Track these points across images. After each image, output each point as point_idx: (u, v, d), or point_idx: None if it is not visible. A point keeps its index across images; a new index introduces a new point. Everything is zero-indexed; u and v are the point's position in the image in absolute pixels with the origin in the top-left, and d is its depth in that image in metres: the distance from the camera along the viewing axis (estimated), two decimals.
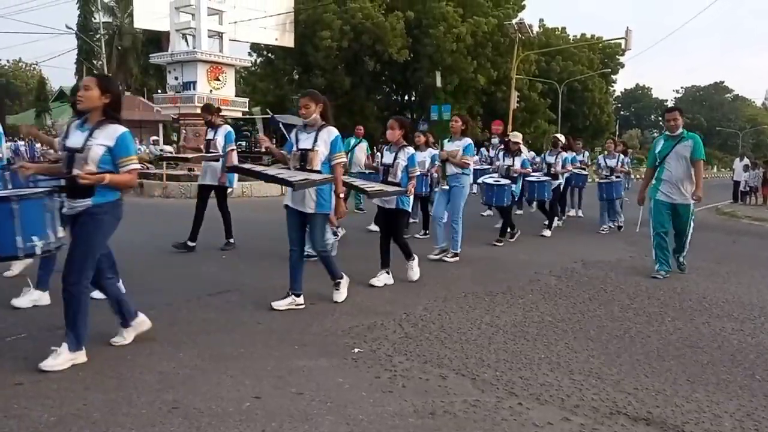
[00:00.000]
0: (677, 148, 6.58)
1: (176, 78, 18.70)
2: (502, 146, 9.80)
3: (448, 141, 7.41)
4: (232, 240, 7.52)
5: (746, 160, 22.32)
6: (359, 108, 31.69)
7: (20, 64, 65.69)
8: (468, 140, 7.26)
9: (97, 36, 39.16)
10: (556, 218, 11.13)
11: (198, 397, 3.13)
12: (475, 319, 4.79)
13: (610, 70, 44.24)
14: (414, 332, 4.39)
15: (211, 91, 18.31)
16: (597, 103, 43.03)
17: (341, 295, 5.15)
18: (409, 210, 6.09)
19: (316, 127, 4.85)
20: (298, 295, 4.92)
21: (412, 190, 5.82)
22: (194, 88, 18.05)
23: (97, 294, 4.08)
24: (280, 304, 4.83)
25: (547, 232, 9.91)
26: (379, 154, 10.29)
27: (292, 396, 3.19)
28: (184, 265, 6.54)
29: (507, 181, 8.59)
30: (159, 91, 26.91)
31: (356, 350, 3.94)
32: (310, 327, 4.43)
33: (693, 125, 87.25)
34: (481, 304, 5.28)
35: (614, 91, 52.52)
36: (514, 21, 30.23)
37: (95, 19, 40.69)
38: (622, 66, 45.78)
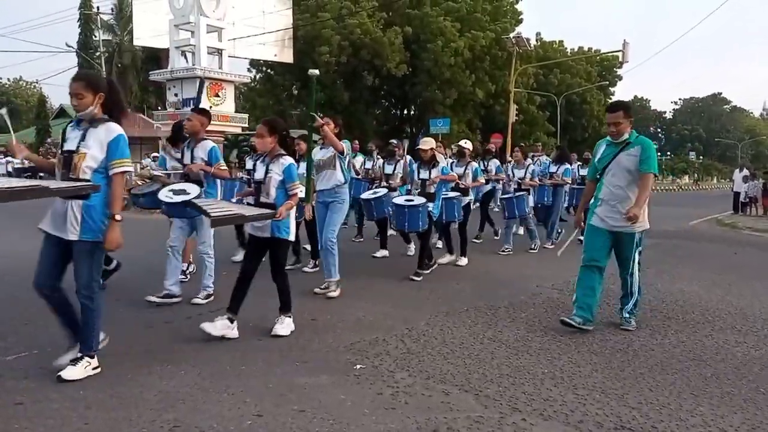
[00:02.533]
0: (620, 158, 4.99)
1: (176, 95, 18.78)
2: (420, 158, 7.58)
3: (320, 148, 6.25)
4: (111, 266, 6.05)
5: (746, 171, 22.36)
6: (358, 122, 31.79)
7: (21, 83, 66.11)
8: (344, 141, 6.14)
9: (97, 54, 39.39)
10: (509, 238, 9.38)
11: (199, 415, 3.11)
12: (478, 333, 4.77)
13: (608, 82, 44.48)
14: (416, 348, 4.37)
15: (210, 107, 18.34)
16: (595, 115, 43.17)
17: (75, 371, 3.51)
18: (290, 239, 4.68)
19: (90, 122, 3.60)
20: (91, 356, 3.61)
21: (285, 213, 4.46)
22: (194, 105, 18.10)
23: None
24: (67, 369, 3.54)
25: (462, 260, 7.97)
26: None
27: (293, 414, 3.16)
28: (184, 282, 6.51)
29: (422, 200, 6.88)
30: (159, 108, 27.03)
31: (358, 366, 3.92)
32: (311, 343, 4.41)
33: (692, 137, 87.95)
34: (484, 318, 5.26)
35: None
36: (511, 35, 30.41)
37: (95, 37, 40.95)
38: (620, 78, 46.07)
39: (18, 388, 3.39)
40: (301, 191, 4.88)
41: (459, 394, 3.53)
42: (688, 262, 9.07)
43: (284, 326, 4.66)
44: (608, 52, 36.45)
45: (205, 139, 5.67)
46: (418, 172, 7.21)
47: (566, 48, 42.32)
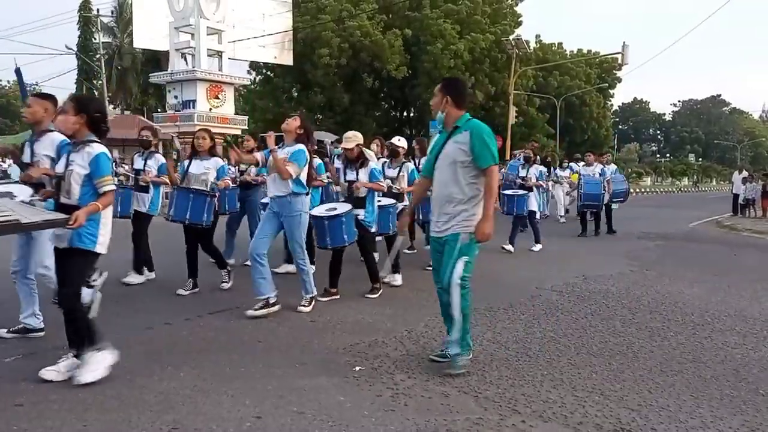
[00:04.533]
0: (447, 148, 3.97)
1: (176, 97, 18.81)
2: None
3: (280, 147, 5.31)
4: None
5: (745, 173, 22.35)
6: (358, 124, 31.77)
7: None
8: (300, 146, 5.28)
9: (97, 56, 39.39)
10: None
11: (199, 417, 3.11)
12: (477, 335, 4.76)
13: (607, 84, 44.48)
14: (416, 349, 4.37)
15: (210, 109, 18.40)
16: (595, 117, 43.21)
17: None
18: (97, 250, 3.60)
19: None
20: None
21: (83, 218, 3.39)
22: (194, 107, 18.14)
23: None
24: None
25: (397, 279, 6.74)
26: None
27: (293, 415, 3.17)
28: (184, 285, 6.51)
29: (346, 207, 5.82)
30: (159, 110, 27.05)
31: (357, 368, 3.92)
32: (311, 345, 4.41)
33: (691, 139, 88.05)
34: (483, 320, 5.26)
35: (612, 105, 52.72)
36: (511, 37, 30.47)
37: (95, 39, 40.99)
38: (620, 80, 45.99)
39: (17, 390, 3.39)
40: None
41: (458, 395, 3.53)
42: (688, 263, 9.07)
43: (89, 368, 3.51)
44: (608, 54, 36.53)
45: (52, 131, 4.34)
46: (344, 174, 6.11)
47: (566, 50, 42.32)
